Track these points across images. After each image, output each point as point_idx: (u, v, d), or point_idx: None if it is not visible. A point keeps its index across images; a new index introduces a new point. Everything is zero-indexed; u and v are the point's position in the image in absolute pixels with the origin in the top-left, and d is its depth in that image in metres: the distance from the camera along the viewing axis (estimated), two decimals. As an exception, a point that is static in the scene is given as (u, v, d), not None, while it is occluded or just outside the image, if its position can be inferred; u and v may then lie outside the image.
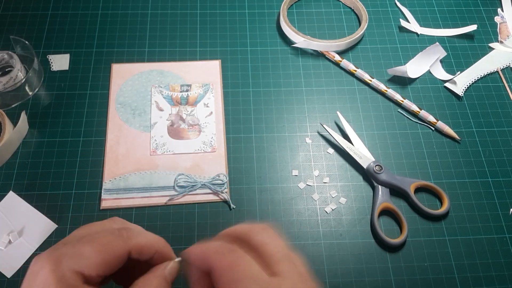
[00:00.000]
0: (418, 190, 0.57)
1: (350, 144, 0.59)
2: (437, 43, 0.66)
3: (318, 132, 0.61)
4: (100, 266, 0.24)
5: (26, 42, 0.63)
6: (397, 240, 0.53)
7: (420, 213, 0.55)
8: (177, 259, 0.29)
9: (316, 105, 0.63)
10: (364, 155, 0.58)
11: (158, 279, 0.26)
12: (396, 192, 0.56)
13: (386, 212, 0.55)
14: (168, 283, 0.27)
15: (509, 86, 0.66)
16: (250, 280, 0.24)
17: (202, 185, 0.56)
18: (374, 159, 0.58)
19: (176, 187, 0.56)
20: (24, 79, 0.61)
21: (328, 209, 0.56)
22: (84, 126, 0.60)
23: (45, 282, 0.23)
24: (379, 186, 0.56)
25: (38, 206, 0.54)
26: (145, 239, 0.27)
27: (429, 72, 0.67)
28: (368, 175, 0.57)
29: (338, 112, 0.61)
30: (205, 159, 0.58)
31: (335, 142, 0.60)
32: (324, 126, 0.60)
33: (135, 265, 0.28)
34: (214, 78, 0.65)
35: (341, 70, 0.67)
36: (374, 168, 0.56)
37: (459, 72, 0.66)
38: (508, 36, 0.71)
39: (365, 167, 0.57)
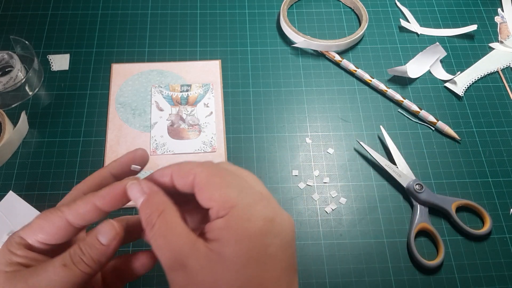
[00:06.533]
0: (460, 209, 0.55)
1: (388, 162, 0.57)
2: (437, 43, 0.66)
3: (318, 132, 0.61)
4: (37, 232, 0.27)
5: (26, 42, 0.63)
6: (433, 262, 0.51)
7: (462, 233, 0.54)
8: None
9: (316, 105, 0.63)
10: (403, 173, 0.56)
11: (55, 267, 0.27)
12: (435, 211, 0.55)
13: (423, 233, 0.54)
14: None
15: (509, 86, 0.66)
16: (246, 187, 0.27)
17: (202, 185, 0.56)
18: (414, 178, 0.55)
19: (176, 187, 0.55)
20: (24, 79, 0.61)
21: (328, 209, 0.56)
22: (84, 126, 0.60)
23: None
24: (418, 205, 0.54)
25: (38, 206, 0.54)
26: (83, 205, 0.28)
27: (429, 72, 0.67)
28: (408, 194, 0.55)
29: (381, 127, 0.60)
30: (205, 159, 0.58)
31: (373, 160, 0.58)
32: (361, 143, 0.58)
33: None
34: (214, 78, 0.65)
35: (341, 70, 0.67)
36: (415, 187, 0.54)
37: (459, 72, 0.66)
38: (508, 36, 0.71)
39: (405, 186, 0.55)
